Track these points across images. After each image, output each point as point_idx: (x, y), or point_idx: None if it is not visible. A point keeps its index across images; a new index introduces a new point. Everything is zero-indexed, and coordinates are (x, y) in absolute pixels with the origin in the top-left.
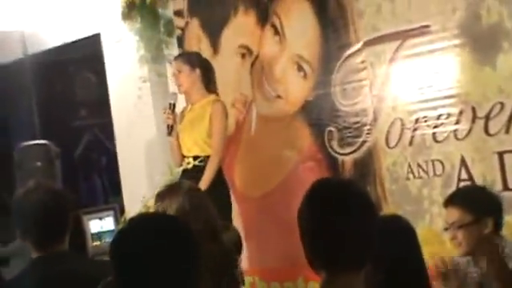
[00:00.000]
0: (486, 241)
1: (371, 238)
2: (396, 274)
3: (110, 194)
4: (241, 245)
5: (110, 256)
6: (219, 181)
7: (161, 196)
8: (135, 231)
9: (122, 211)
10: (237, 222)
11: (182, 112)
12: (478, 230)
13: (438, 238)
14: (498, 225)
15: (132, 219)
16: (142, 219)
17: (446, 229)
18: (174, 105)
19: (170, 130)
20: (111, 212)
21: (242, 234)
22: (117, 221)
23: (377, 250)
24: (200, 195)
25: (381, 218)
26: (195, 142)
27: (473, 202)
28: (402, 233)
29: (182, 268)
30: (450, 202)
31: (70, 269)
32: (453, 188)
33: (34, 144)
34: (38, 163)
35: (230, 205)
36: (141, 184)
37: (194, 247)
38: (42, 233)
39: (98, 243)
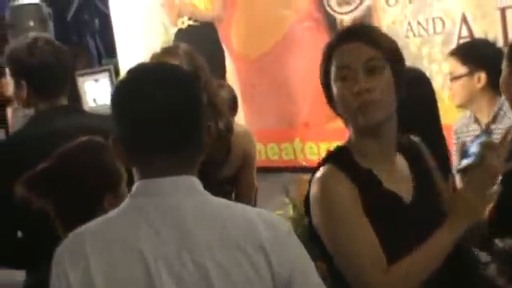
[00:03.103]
0: (479, 95)
1: None
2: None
3: (103, 56)
4: (235, 103)
5: (112, 107)
6: (213, 40)
7: (156, 57)
8: (137, 79)
9: (117, 73)
10: (233, 83)
11: None
12: (470, 83)
13: (437, 96)
14: (493, 80)
15: (131, 69)
16: (144, 68)
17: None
18: None
19: None
20: (106, 73)
21: (239, 96)
22: (112, 82)
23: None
24: (197, 57)
25: None
26: None
27: (468, 54)
28: (421, 81)
29: (188, 116)
30: (450, 53)
31: (75, 122)
32: (453, 46)
33: (26, 4)
34: (31, 23)
35: (224, 67)
36: (136, 45)
37: (200, 97)
38: (47, 83)
39: (93, 106)
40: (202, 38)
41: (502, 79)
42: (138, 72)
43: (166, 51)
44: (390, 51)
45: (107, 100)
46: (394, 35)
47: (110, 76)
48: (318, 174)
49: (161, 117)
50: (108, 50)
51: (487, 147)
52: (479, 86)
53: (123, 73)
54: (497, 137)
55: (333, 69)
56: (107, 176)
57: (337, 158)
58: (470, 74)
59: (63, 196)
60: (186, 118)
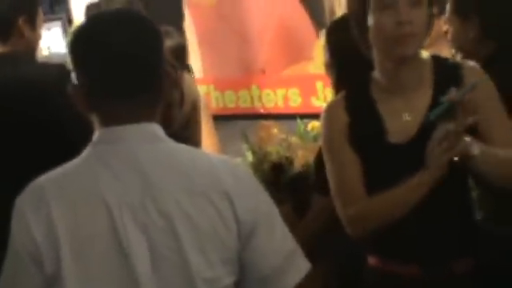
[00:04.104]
0: (442, 37)
1: None
2: None
3: (55, 3)
4: (183, 51)
5: (71, 53)
6: None
7: (93, 7)
8: (96, 24)
9: (70, 22)
10: (190, 31)
11: None
12: (436, 25)
13: None
14: None
15: (90, 15)
16: (103, 13)
17: None
18: None
19: None
20: (58, 22)
21: (196, 44)
22: (65, 31)
23: None
24: (136, 4)
25: None
26: None
27: None
28: None
29: (148, 61)
30: None
31: (11, 73)
32: None
33: None
34: None
35: (181, 12)
36: None
37: (160, 42)
38: None
39: (46, 54)
40: None
41: (452, 33)
42: (96, 17)
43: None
44: None
45: (61, 48)
46: None
47: (63, 25)
48: None
49: (120, 60)
50: None
51: (455, 101)
52: (444, 28)
53: (76, 21)
54: None
55: None
56: None
57: (353, 86)
58: (437, 15)
59: None
60: (146, 62)
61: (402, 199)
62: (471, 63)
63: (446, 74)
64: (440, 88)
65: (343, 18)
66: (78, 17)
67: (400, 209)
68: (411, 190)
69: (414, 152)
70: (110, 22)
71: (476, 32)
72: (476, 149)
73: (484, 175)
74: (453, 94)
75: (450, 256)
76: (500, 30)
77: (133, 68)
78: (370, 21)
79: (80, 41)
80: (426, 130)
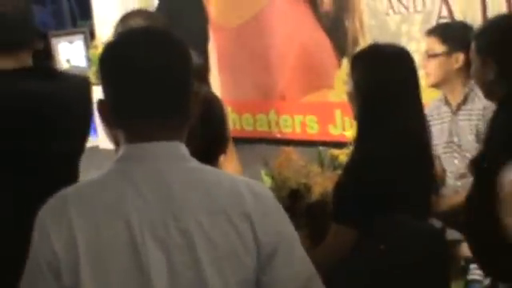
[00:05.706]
0: (454, 75)
1: None
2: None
3: (78, 18)
4: (201, 72)
5: (101, 69)
6: (197, 7)
7: (125, 17)
8: (129, 41)
9: (92, 36)
10: (212, 53)
11: None
12: (448, 63)
13: None
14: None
15: (122, 32)
16: (136, 30)
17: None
18: None
19: None
20: (81, 36)
21: (216, 66)
22: (87, 45)
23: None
24: (158, 22)
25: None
26: None
27: (448, 33)
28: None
29: (178, 82)
30: (429, 31)
31: (31, 87)
32: (432, 24)
33: None
34: None
35: (206, 35)
36: (113, 8)
37: (190, 63)
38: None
39: (67, 67)
40: (185, 4)
41: (473, 70)
42: (129, 34)
43: (135, 12)
44: None
45: (81, 62)
46: (373, 12)
47: (85, 38)
48: None
49: (146, 82)
50: (83, 12)
51: None
52: (456, 66)
53: (99, 36)
54: (463, 118)
55: None
56: None
57: None
58: (449, 53)
59: None
60: (173, 84)
61: None
62: None
63: None
64: None
65: (369, 49)
66: (101, 31)
67: None
68: None
69: None
70: (139, 42)
71: (493, 75)
72: None
73: None
74: None
75: None
76: None
77: (158, 90)
78: None
79: (108, 59)
80: None
